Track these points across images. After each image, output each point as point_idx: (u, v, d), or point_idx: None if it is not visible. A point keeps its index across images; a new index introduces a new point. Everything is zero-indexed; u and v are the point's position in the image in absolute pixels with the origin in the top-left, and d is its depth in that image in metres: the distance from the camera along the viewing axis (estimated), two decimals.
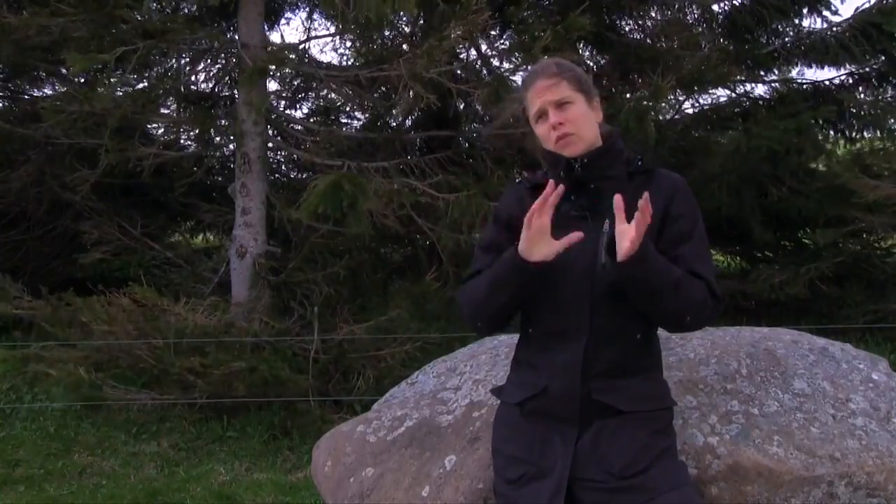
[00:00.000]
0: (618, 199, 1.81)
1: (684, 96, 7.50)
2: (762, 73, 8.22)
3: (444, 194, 5.68)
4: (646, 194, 1.78)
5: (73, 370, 5.11)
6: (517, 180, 2.17)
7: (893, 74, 7.84)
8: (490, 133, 6.32)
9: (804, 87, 8.22)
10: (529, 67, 2.15)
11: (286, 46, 6.28)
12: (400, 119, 7.56)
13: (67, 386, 5.22)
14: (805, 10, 8.03)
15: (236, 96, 6.43)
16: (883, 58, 7.77)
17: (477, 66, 6.61)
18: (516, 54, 5.99)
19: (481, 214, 5.40)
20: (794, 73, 8.32)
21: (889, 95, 7.90)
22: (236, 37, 6.05)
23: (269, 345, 5.30)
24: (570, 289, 1.95)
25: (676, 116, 7.74)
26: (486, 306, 2.02)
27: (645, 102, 5.45)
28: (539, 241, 1.88)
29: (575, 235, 1.87)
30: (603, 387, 1.96)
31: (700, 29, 7.95)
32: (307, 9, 7.92)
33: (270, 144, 6.47)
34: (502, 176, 5.78)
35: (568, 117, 1.99)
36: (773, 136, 6.46)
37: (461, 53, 6.43)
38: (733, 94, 8.30)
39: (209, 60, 6.89)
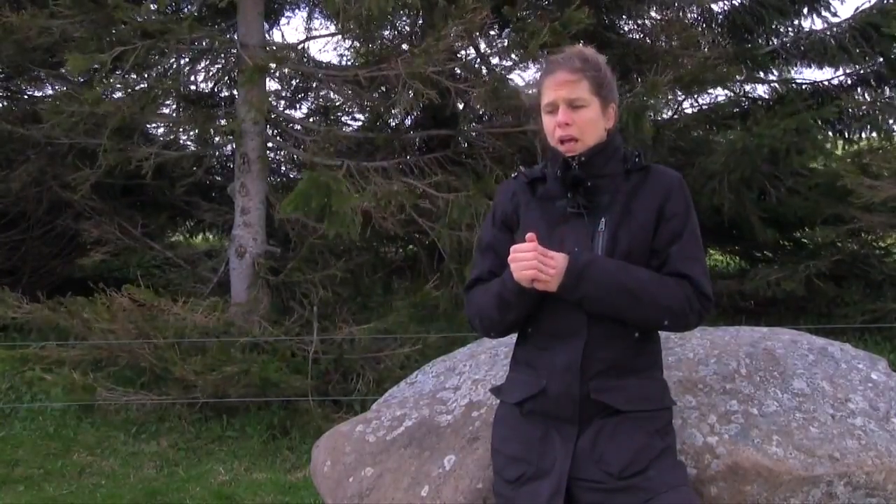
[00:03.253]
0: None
1: (683, 96, 7.50)
2: (761, 73, 8.23)
3: (444, 193, 5.68)
4: (529, 234, 1.91)
5: (68, 374, 5.11)
6: (514, 175, 2.16)
7: (892, 76, 7.85)
8: (492, 126, 6.32)
9: (803, 87, 8.24)
10: (549, 57, 2.07)
11: (286, 46, 6.28)
12: (399, 119, 7.56)
13: (64, 389, 5.21)
14: (804, 11, 8.05)
15: (236, 96, 6.43)
16: (881, 59, 7.78)
17: (476, 64, 6.60)
18: (514, 52, 5.99)
19: (481, 213, 5.40)
20: (793, 74, 8.34)
21: (887, 96, 7.91)
22: (235, 37, 6.05)
23: (269, 345, 5.30)
24: None
25: (675, 116, 7.73)
26: (498, 323, 2.08)
27: (643, 98, 5.44)
28: None
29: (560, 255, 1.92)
30: (601, 387, 1.96)
31: (699, 28, 7.95)
32: (307, 8, 7.92)
33: (270, 144, 6.47)
34: (501, 174, 5.77)
35: (577, 120, 1.96)
36: (775, 134, 6.45)
37: (460, 52, 6.43)
38: (732, 94, 8.31)
39: (208, 60, 6.89)
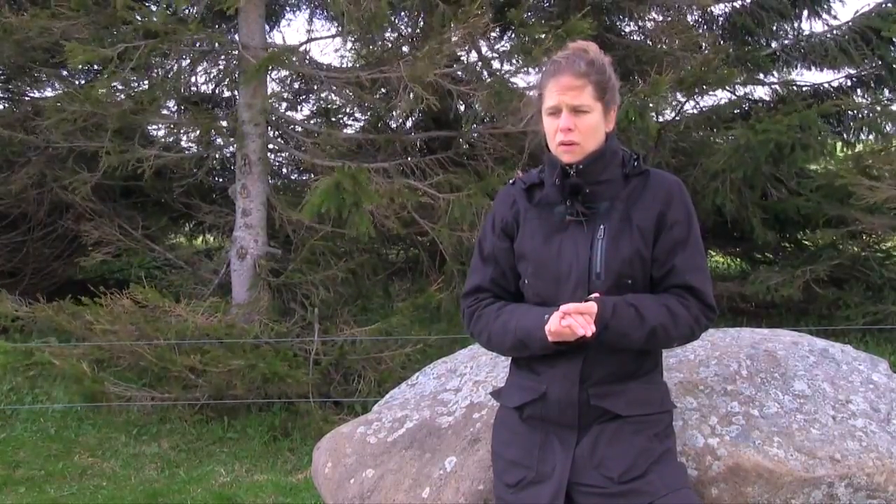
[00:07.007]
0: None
1: (685, 98, 7.50)
2: (761, 74, 8.23)
3: (445, 194, 5.68)
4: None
5: (76, 363, 5.12)
6: (511, 182, 2.14)
7: (891, 79, 7.86)
8: (494, 127, 6.32)
9: (803, 89, 8.25)
10: (558, 54, 2.01)
11: (287, 48, 6.28)
12: (400, 121, 7.56)
13: (70, 378, 5.21)
14: (805, 13, 8.06)
15: (237, 98, 6.43)
16: (880, 62, 7.79)
17: (478, 67, 6.60)
18: (517, 56, 5.99)
19: (482, 213, 5.40)
20: (793, 76, 8.35)
21: (886, 99, 7.92)
22: (237, 38, 6.05)
23: (270, 346, 5.31)
24: (566, 297, 1.94)
25: (677, 118, 7.74)
26: (506, 353, 2.14)
27: (644, 97, 5.43)
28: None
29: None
30: (601, 392, 1.96)
31: (700, 31, 7.96)
32: (307, 10, 7.93)
33: (271, 146, 6.47)
34: (503, 174, 5.77)
35: (579, 126, 1.94)
36: (780, 129, 6.44)
37: (462, 55, 6.43)
38: (733, 96, 8.32)
39: (210, 62, 6.90)
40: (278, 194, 6.38)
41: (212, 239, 8.75)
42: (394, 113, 6.74)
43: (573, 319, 1.85)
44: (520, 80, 6.20)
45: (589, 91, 1.93)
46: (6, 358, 5.27)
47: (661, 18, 7.67)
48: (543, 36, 5.30)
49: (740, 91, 8.44)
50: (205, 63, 6.90)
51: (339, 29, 6.72)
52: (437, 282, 5.67)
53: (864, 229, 7.08)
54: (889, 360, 2.61)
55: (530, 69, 5.87)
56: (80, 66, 6.60)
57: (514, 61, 6.11)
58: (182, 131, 6.89)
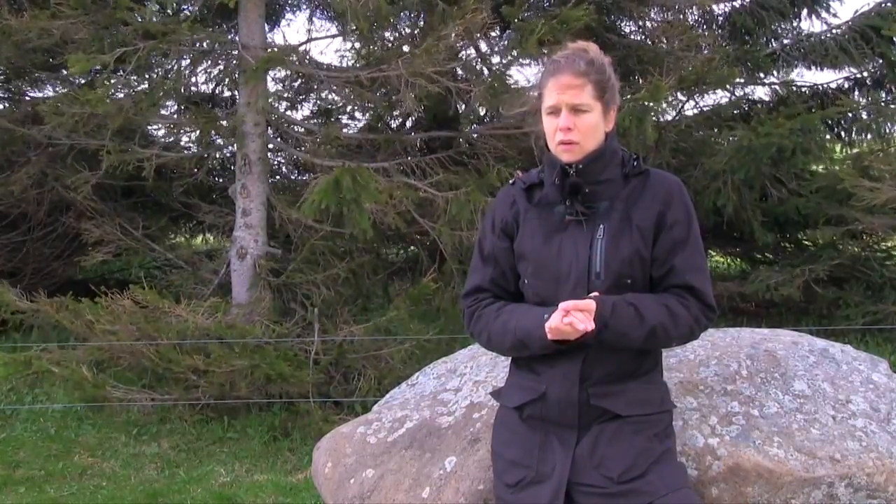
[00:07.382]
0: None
1: (685, 97, 7.50)
2: (761, 74, 8.23)
3: (445, 192, 5.68)
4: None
5: (76, 368, 5.12)
6: (511, 182, 2.15)
7: (891, 78, 7.85)
8: (494, 127, 6.32)
9: (803, 89, 8.24)
10: (557, 54, 2.02)
11: (287, 48, 6.28)
12: (400, 120, 7.55)
13: (71, 383, 5.21)
14: (804, 13, 8.06)
15: (237, 97, 6.43)
16: (881, 61, 7.78)
17: (477, 65, 6.60)
18: (514, 51, 5.98)
19: (481, 210, 5.40)
20: (793, 76, 8.35)
21: (886, 99, 7.91)
22: (236, 38, 6.05)
23: (270, 346, 5.31)
24: (566, 297, 1.93)
25: (677, 118, 7.73)
26: (506, 353, 2.14)
27: (644, 103, 5.43)
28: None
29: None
30: (601, 392, 1.96)
31: (700, 30, 7.95)
32: (307, 10, 7.93)
33: (271, 146, 6.47)
34: (503, 171, 5.77)
35: (578, 125, 1.94)
36: (782, 133, 6.44)
37: (461, 53, 6.42)
38: (733, 96, 8.31)
39: (209, 62, 6.90)
40: (278, 194, 6.37)
41: (212, 239, 8.76)
42: (395, 112, 6.73)
43: (573, 316, 1.85)
44: (515, 73, 6.21)
45: (588, 90, 1.94)
46: (6, 370, 5.27)
47: (661, 18, 7.66)
48: (537, 26, 5.28)
49: (740, 91, 8.43)
50: (205, 63, 6.89)
51: (340, 28, 6.72)
52: (431, 272, 5.66)
53: (865, 229, 7.07)
54: (889, 360, 2.61)
55: (524, 60, 5.85)
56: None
57: (511, 55, 6.09)
58: (182, 131, 6.89)
